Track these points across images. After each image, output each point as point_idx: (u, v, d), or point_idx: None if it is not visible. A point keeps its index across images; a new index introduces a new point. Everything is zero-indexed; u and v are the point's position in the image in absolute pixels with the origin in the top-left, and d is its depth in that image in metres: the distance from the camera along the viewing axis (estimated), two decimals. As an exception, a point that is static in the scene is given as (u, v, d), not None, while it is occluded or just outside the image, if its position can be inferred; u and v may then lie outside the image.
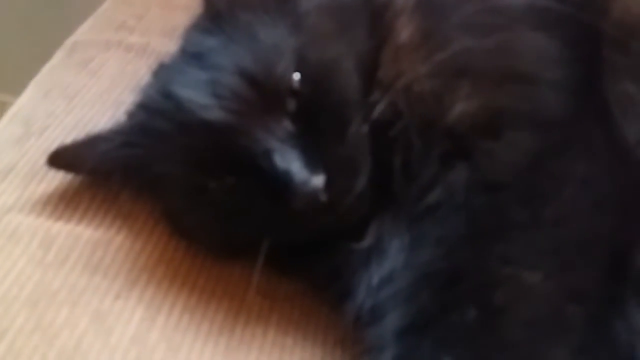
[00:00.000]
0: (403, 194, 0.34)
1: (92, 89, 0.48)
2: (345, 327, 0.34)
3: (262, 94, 0.33)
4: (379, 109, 0.34)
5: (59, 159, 0.38)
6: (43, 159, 0.40)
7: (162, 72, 0.38)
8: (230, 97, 0.33)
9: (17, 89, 0.52)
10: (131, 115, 0.38)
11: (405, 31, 0.36)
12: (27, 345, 0.33)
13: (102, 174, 0.38)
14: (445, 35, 0.35)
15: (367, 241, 0.34)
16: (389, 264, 0.33)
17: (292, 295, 0.37)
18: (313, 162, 0.33)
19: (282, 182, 0.32)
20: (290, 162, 0.32)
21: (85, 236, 0.37)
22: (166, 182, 0.36)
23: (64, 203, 0.39)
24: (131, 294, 0.35)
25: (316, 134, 0.34)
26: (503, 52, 0.35)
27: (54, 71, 0.51)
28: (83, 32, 0.56)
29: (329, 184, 0.32)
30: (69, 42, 0.55)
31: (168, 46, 0.51)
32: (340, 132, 0.34)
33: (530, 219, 0.31)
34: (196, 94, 0.33)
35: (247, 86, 0.33)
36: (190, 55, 0.36)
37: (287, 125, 0.34)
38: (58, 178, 0.40)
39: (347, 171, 0.33)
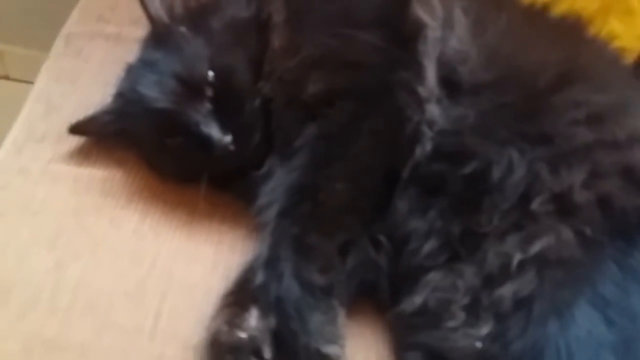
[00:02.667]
0: (280, 142, 0.58)
1: (86, 73, 0.69)
2: (252, 216, 0.59)
3: (189, 87, 0.57)
4: (264, 91, 0.58)
5: (76, 129, 0.62)
6: (64, 127, 0.63)
7: (130, 72, 0.60)
8: (170, 92, 0.56)
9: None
10: (115, 100, 0.61)
11: (277, 40, 0.58)
12: (74, 239, 0.58)
13: (103, 137, 0.62)
14: (302, 42, 0.57)
15: (263, 170, 0.58)
16: (275, 180, 0.57)
17: (226, 202, 0.62)
18: (225, 127, 0.56)
19: (206, 141, 0.56)
20: (211, 129, 0.56)
21: (98, 175, 0.62)
22: (141, 141, 0.60)
23: (82, 155, 0.63)
24: (130, 206, 0.60)
25: (226, 110, 0.57)
26: (340, 49, 0.57)
27: (57, 59, 0.72)
28: (72, 23, 0.76)
29: (235, 140, 0.56)
30: (64, 33, 0.75)
31: (136, 33, 0.73)
32: (241, 107, 0.57)
33: (344, 153, 0.54)
34: (150, 91, 0.56)
35: (179, 84, 0.56)
36: (145, 63, 0.59)
37: (208, 105, 0.57)
38: (76, 140, 0.63)
39: (246, 131, 0.57)
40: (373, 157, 0.54)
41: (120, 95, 0.60)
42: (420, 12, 0.56)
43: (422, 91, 0.55)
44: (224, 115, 0.56)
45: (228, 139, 0.56)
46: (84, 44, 0.73)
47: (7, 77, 1.22)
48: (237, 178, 0.59)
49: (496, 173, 0.51)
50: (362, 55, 0.57)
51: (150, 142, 0.59)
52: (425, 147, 0.53)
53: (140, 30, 0.71)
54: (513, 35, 0.57)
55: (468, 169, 0.51)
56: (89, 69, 0.70)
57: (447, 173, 0.52)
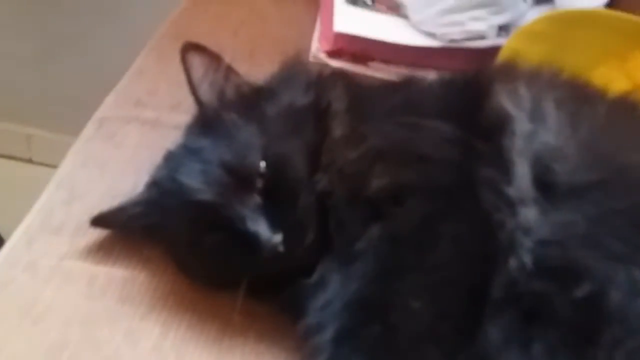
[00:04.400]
0: (338, 244, 0.48)
1: (118, 159, 0.62)
2: (299, 337, 0.48)
3: (238, 178, 0.49)
4: (320, 185, 0.49)
5: (99, 221, 0.53)
6: (86, 218, 0.55)
7: (170, 159, 0.53)
8: (216, 183, 0.48)
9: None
10: (148, 189, 0.53)
11: (337, 130, 0.51)
12: (79, 355, 0.48)
13: (128, 231, 0.53)
14: (366, 132, 0.50)
15: (315, 277, 0.48)
16: (328, 293, 0.47)
17: (265, 315, 0.51)
18: (275, 225, 0.47)
19: (253, 240, 0.47)
20: (259, 226, 0.47)
21: (118, 275, 0.52)
22: (173, 238, 0.51)
23: (102, 251, 0.54)
24: (151, 316, 0.50)
25: (277, 205, 0.48)
26: (408, 140, 0.50)
27: (87, 143, 0.66)
28: (107, 107, 0.71)
29: (285, 240, 0.47)
30: (97, 116, 0.70)
31: (175, 119, 0.67)
32: (294, 202, 0.49)
33: (418, 264, 0.45)
34: (193, 181, 0.48)
35: (227, 174, 0.48)
36: (189, 150, 0.51)
37: (257, 199, 0.49)
38: (97, 233, 0.55)
39: (299, 230, 0.48)
40: (456, 270, 0.44)
41: (155, 185, 0.52)
42: (504, 101, 0.49)
43: (511, 192, 0.46)
44: (274, 211, 0.48)
45: (278, 238, 0.47)
46: (118, 129, 0.67)
47: (30, 161, 1.19)
48: (282, 286, 0.49)
49: (615, 297, 0.41)
50: (434, 146, 0.49)
51: (185, 239, 0.50)
52: (522, 259, 0.43)
53: (180, 116, 0.65)
54: (612, 131, 0.49)
55: (580, 292, 0.41)
56: (120, 154, 0.64)
57: (553, 295, 0.41)
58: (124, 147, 0.64)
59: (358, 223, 0.47)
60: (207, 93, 0.53)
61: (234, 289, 0.49)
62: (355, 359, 0.42)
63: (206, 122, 0.52)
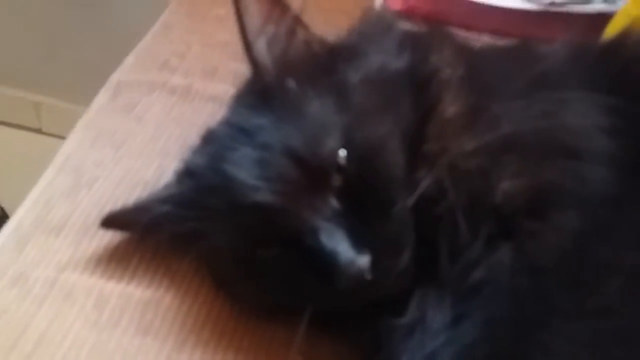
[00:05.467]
0: (447, 272, 0.34)
1: (138, 136, 0.49)
2: None
3: (309, 172, 0.34)
4: (424, 186, 0.35)
5: (111, 222, 0.40)
6: (94, 213, 0.42)
7: (212, 141, 0.38)
8: (279, 179, 0.34)
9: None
10: (180, 180, 0.39)
11: (452, 107, 0.36)
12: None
13: (151, 237, 0.39)
14: (494, 114, 0.35)
15: (409, 316, 0.35)
16: (431, 342, 0.33)
17: (333, 358, 0.38)
18: (359, 241, 0.33)
19: (328, 262, 0.33)
20: (337, 242, 0.33)
21: (136, 296, 0.39)
22: (215, 250, 0.37)
23: (115, 261, 0.40)
24: (181, 355, 0.37)
25: (362, 212, 0.34)
26: (552, 127, 0.35)
27: (100, 114, 0.52)
28: (126, 70, 0.57)
29: (375, 263, 0.33)
30: (113, 80, 0.56)
31: (210, 88, 0.54)
32: (386, 210, 0.34)
33: (574, 307, 0.31)
34: (246, 175, 0.34)
35: (295, 166, 0.34)
36: (239, 130, 0.36)
37: (333, 202, 0.34)
38: (109, 235, 0.41)
39: (392, 250, 0.34)
40: (633, 321, 0.30)
41: (190, 175, 0.38)
42: None
43: None
44: (359, 221, 0.34)
45: (364, 260, 0.32)
46: (140, 97, 0.53)
47: (40, 131, 1.10)
48: (361, 322, 0.36)
49: None
50: (589, 134, 0.35)
51: (232, 253, 0.36)
52: None
53: (218, 84, 0.53)
54: None
55: None
56: (142, 131, 0.49)
57: None
58: (147, 121, 0.50)
59: (479, 243, 0.33)
60: (265, 51, 0.38)
61: (294, 319, 0.35)
62: None
63: (264, 93, 0.37)
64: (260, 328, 0.39)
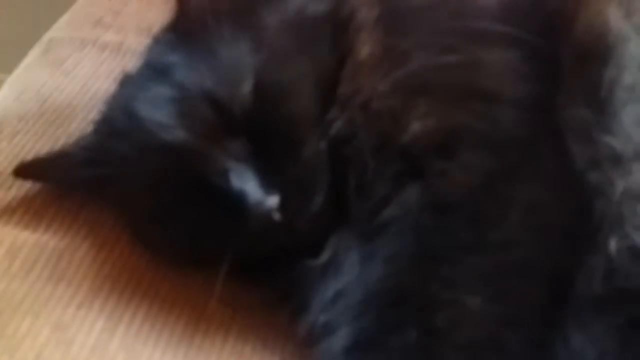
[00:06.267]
0: (357, 211, 0.34)
1: (65, 90, 0.48)
2: (300, 340, 0.35)
3: (220, 113, 0.34)
4: (336, 127, 0.34)
5: (25, 171, 0.39)
6: (12, 165, 0.41)
7: (127, 85, 0.38)
8: (190, 118, 0.33)
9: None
10: (96, 129, 0.38)
11: (365, 47, 0.35)
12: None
13: (68, 186, 0.39)
14: (405, 51, 0.35)
15: (323, 257, 0.34)
16: (343, 279, 0.34)
17: (253, 304, 0.38)
18: (269, 182, 0.33)
19: (237, 202, 0.33)
20: (246, 182, 0.33)
21: (50, 245, 0.38)
22: (129, 196, 0.37)
23: (31, 211, 0.40)
24: (94, 303, 0.36)
25: (273, 153, 0.34)
26: (465, 68, 0.35)
27: (29, 70, 0.51)
28: (59, 27, 0.56)
29: (284, 204, 0.33)
30: (45, 38, 0.55)
31: (143, 44, 0.52)
32: (297, 151, 0.34)
33: (476, 242, 0.31)
34: (157, 113, 0.34)
35: (206, 106, 0.34)
36: (153, 69, 0.36)
37: (245, 144, 0.34)
38: (26, 185, 0.40)
39: (303, 191, 0.34)
40: (531, 251, 0.31)
41: (106, 122, 0.38)
42: (610, 12, 0.34)
43: (615, 142, 0.32)
44: (270, 162, 0.33)
45: (273, 200, 0.32)
46: (70, 53, 0.52)
47: None
48: (278, 267, 0.35)
49: None
50: (502, 75, 0.35)
51: (145, 198, 0.36)
52: (630, 239, 0.30)
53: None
54: None
55: None
56: (69, 85, 0.48)
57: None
58: (75, 76, 0.49)
59: (388, 182, 0.33)
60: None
61: (212, 269, 0.35)
62: None
63: (182, 31, 0.37)
64: (180, 277, 0.38)
